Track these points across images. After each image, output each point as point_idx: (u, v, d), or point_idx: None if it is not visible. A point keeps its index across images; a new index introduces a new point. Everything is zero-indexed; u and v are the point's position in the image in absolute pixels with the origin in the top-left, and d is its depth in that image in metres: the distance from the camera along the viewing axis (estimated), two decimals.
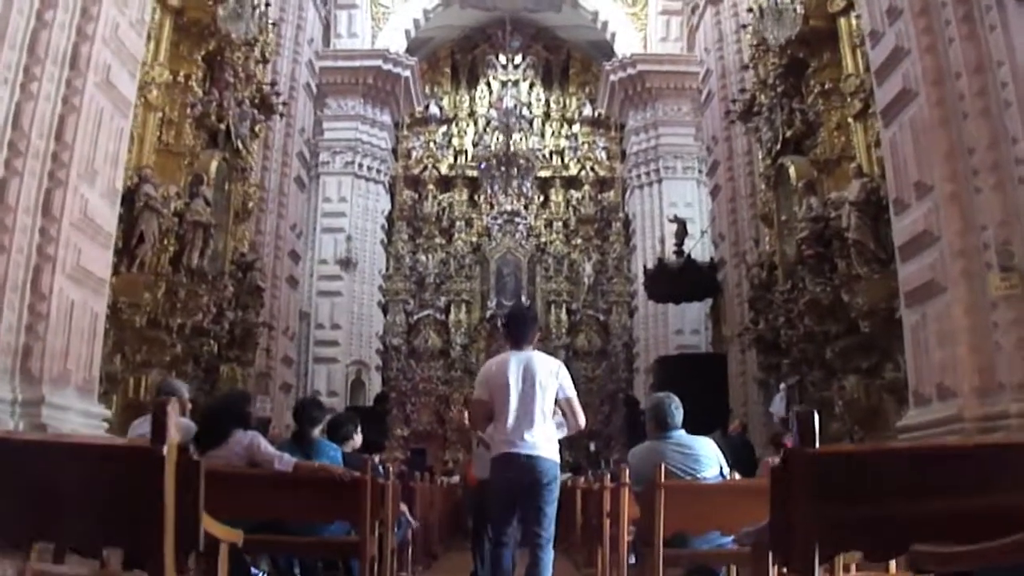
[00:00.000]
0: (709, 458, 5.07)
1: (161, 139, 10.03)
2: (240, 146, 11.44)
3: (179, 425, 4.30)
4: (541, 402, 5.17)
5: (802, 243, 9.59)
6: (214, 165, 10.64)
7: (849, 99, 9.86)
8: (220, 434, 5.08)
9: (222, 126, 10.92)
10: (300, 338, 20.82)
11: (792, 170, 10.57)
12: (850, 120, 9.96)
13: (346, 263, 20.83)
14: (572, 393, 5.37)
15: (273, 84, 12.88)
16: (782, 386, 10.52)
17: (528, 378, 5.19)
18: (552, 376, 5.26)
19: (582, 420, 5.39)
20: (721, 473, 5.11)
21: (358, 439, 6.65)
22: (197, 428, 5.25)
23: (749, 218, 13.21)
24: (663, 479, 4.59)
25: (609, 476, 7.34)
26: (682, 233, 16.31)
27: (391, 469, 6.53)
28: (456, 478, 16.83)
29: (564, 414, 5.38)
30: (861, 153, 9.59)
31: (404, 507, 7.41)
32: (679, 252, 15.91)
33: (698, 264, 15.38)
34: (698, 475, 4.92)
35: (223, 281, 10.48)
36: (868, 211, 8.80)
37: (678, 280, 15.06)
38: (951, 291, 6.63)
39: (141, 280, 8.88)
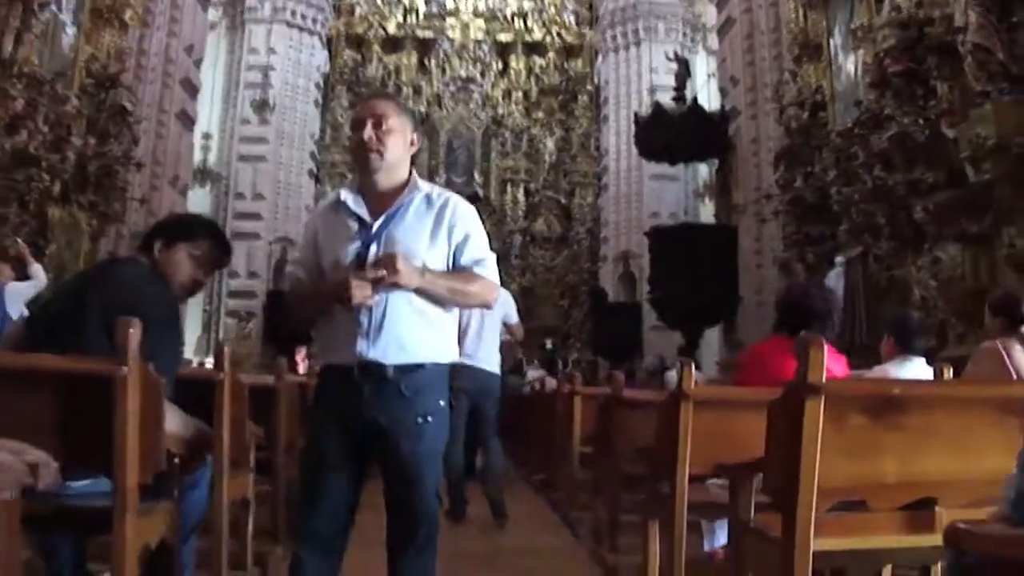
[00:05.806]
0: None
1: None
2: None
3: None
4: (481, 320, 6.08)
5: (885, 56, 6.76)
6: None
7: None
8: None
9: None
10: (217, 209, 17.93)
11: None
12: None
13: (262, 106, 17.64)
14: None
15: None
16: (838, 260, 7.71)
17: None
18: None
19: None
20: None
21: None
22: None
23: (772, 57, 10.39)
24: None
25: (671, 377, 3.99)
26: (683, 75, 13.25)
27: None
28: None
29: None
30: None
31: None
32: (679, 99, 12.81)
33: (705, 112, 12.34)
34: None
35: (67, 91, 7.45)
36: (992, 6, 6.07)
37: (678, 131, 11.96)
38: None
39: None
